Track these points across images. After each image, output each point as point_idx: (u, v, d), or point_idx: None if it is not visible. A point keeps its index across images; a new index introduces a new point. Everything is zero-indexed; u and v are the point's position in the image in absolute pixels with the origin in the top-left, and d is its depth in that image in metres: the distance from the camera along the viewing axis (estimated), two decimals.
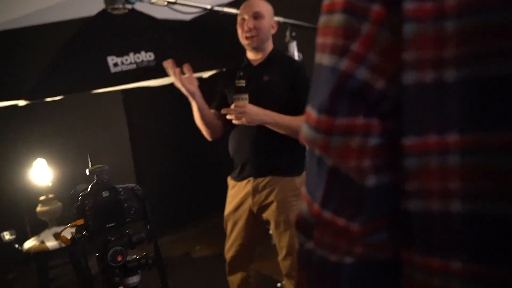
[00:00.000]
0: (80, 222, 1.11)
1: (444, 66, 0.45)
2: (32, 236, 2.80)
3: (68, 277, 2.90)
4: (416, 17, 0.46)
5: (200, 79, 2.95)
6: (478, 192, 0.46)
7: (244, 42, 2.29)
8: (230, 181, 2.38)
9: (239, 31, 2.30)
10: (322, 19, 0.56)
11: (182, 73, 2.18)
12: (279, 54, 2.38)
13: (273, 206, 2.20)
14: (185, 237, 4.43)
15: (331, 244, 0.54)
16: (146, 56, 2.84)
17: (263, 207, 2.24)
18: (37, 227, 2.79)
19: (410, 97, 0.48)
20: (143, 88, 3.05)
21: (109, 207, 1.14)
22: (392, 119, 0.50)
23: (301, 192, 0.59)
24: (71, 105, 3.45)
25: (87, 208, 1.11)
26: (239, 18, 2.32)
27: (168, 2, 2.82)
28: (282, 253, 2.23)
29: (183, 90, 2.18)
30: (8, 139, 3.58)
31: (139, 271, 1.17)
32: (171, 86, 2.21)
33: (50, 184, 2.65)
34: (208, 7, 2.95)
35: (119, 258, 1.12)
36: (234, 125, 2.22)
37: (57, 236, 2.54)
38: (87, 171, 1.18)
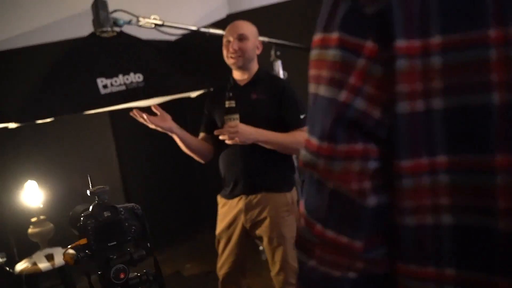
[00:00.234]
0: (83, 241, 1.14)
1: (432, 96, 0.52)
2: (19, 258, 2.79)
3: None
4: (407, 54, 0.52)
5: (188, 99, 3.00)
6: (464, 206, 0.53)
7: (229, 62, 2.35)
8: (221, 199, 2.42)
9: (225, 52, 2.36)
10: (315, 53, 0.61)
11: (154, 114, 2.21)
12: (265, 73, 2.44)
13: (266, 222, 2.24)
14: (175, 255, 4.42)
15: (333, 261, 0.58)
16: (135, 78, 2.88)
17: (256, 224, 2.28)
18: (26, 249, 2.78)
19: (403, 124, 0.53)
20: (130, 108, 3.09)
21: (111, 227, 1.18)
22: (387, 144, 0.55)
23: (300, 212, 0.63)
24: (60, 127, 3.46)
25: (89, 228, 1.14)
26: (224, 40, 2.38)
27: (156, 25, 2.89)
28: (275, 269, 2.27)
29: (159, 129, 2.21)
30: None
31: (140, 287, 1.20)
32: (159, 106, 2.25)
33: (41, 206, 2.66)
34: (195, 28, 3.02)
35: (122, 276, 1.16)
36: (225, 145, 2.26)
37: (49, 257, 2.54)
38: (88, 192, 1.22)
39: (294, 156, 2.42)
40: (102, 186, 1.21)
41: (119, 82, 2.83)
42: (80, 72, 2.81)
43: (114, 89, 2.81)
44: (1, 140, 3.48)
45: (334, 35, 0.57)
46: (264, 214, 2.24)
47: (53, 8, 3.89)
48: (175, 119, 2.31)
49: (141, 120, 2.16)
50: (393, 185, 0.56)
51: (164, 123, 2.21)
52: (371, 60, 0.55)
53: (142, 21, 2.85)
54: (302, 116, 2.26)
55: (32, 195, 2.66)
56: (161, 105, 2.27)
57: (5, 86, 3.48)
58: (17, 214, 2.86)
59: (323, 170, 0.58)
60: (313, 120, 0.61)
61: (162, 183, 4.61)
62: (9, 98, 3.24)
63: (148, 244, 1.23)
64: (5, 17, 3.57)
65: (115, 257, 1.17)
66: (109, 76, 2.82)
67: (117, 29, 2.78)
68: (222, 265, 2.37)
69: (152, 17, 2.87)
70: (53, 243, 2.66)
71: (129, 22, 2.82)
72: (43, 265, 2.48)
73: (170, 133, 2.27)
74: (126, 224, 1.20)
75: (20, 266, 2.53)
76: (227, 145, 2.25)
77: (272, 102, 2.28)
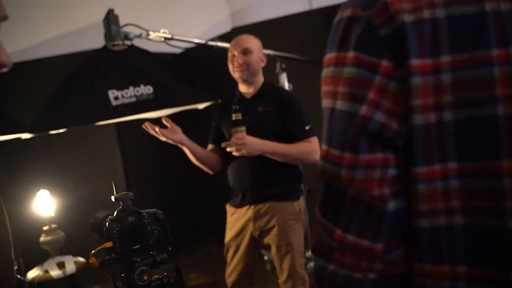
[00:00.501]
0: (109, 244, 1.20)
1: (443, 109, 0.58)
2: (26, 267, 2.84)
3: None
4: (420, 72, 0.59)
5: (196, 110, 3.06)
6: (475, 208, 0.59)
7: (235, 76, 2.41)
8: (230, 208, 2.47)
9: (230, 66, 2.42)
10: (329, 70, 0.67)
11: (165, 126, 2.27)
12: (270, 85, 2.49)
13: (274, 231, 2.30)
14: (180, 265, 4.46)
15: (353, 264, 0.63)
16: (145, 89, 2.95)
17: (264, 232, 2.33)
18: (34, 258, 2.83)
19: (418, 134, 0.59)
20: (136, 120, 3.16)
21: (135, 231, 1.24)
22: (403, 153, 0.61)
23: (316, 220, 0.68)
24: (70, 138, 3.53)
25: (115, 231, 1.20)
26: (229, 54, 2.43)
27: (165, 38, 2.97)
28: (283, 276, 2.31)
29: (170, 141, 2.27)
30: (12, 171, 3.64)
31: None
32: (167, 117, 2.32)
33: (53, 215, 2.71)
34: (203, 41, 3.11)
35: (145, 277, 1.21)
36: (233, 156, 2.32)
37: (60, 265, 2.59)
38: (112, 197, 1.28)
39: (300, 166, 2.48)
40: (126, 192, 1.28)
41: (130, 94, 2.90)
42: (92, 84, 2.88)
43: (125, 100, 2.88)
44: (15, 150, 3.56)
45: (350, 54, 0.63)
46: (272, 222, 2.30)
47: (63, 21, 3.99)
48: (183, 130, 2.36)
49: (152, 132, 2.22)
50: (409, 190, 0.61)
51: (174, 135, 2.27)
52: (387, 77, 0.61)
53: (152, 35, 2.93)
54: (307, 127, 2.33)
55: (44, 204, 2.71)
56: (167, 117, 2.34)
57: (18, 98, 3.55)
58: (29, 222, 2.91)
59: (345, 179, 0.63)
60: (331, 132, 0.66)
61: (167, 193, 4.66)
62: (22, 109, 3.31)
63: (169, 248, 1.29)
64: (18, 29, 3.66)
65: (138, 259, 1.23)
66: (120, 88, 2.89)
67: (128, 42, 2.87)
68: (231, 273, 2.42)
69: (162, 30, 2.96)
70: (64, 251, 2.71)
71: (139, 36, 2.91)
72: (55, 272, 2.53)
73: (180, 145, 2.33)
74: (149, 228, 1.26)
75: (32, 273, 2.58)
76: (235, 157, 2.30)
77: (278, 114, 2.34)
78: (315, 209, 0.70)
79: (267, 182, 2.32)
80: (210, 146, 2.51)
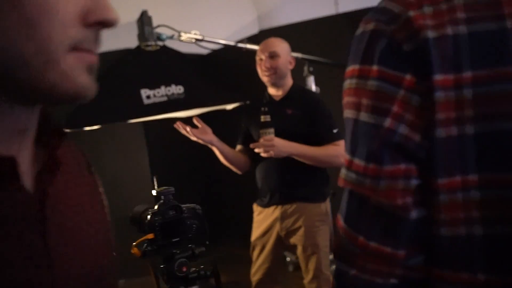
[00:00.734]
0: (150, 236, 1.26)
1: (465, 123, 0.61)
2: None
3: None
4: (443, 86, 0.61)
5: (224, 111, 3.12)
6: (493, 218, 0.61)
7: (264, 79, 2.46)
8: (257, 208, 2.52)
9: (259, 70, 2.46)
10: (352, 82, 0.69)
11: (196, 126, 2.33)
12: (299, 88, 2.54)
13: (301, 231, 2.34)
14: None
15: (375, 269, 0.66)
16: (176, 89, 3.03)
17: (291, 232, 2.37)
18: None
19: (440, 147, 0.62)
20: (166, 119, 3.23)
21: (175, 224, 1.30)
22: (425, 164, 0.64)
23: (338, 226, 0.71)
24: (99, 135, 3.62)
25: (156, 224, 1.26)
26: (257, 58, 2.47)
27: (196, 39, 3.04)
28: (308, 276, 2.35)
29: (200, 141, 2.32)
30: None
31: (197, 281, 1.31)
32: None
33: None
34: (232, 43, 3.17)
35: (184, 269, 1.27)
36: (261, 157, 2.36)
37: None
38: (153, 192, 1.34)
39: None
40: (167, 187, 1.34)
41: (161, 93, 2.98)
42: (125, 83, 2.96)
43: (157, 99, 2.96)
44: None
45: (374, 68, 0.65)
46: (299, 223, 2.34)
47: None
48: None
49: (183, 132, 2.28)
50: (431, 200, 0.63)
51: (205, 135, 2.32)
52: (410, 91, 0.63)
53: (184, 36, 3.00)
54: (335, 131, 2.36)
55: None
56: (198, 117, 2.39)
57: None
58: None
59: (369, 188, 0.65)
60: (355, 143, 0.68)
61: (190, 190, 4.74)
62: (58, 106, 3.40)
63: (207, 242, 1.34)
64: None
65: (178, 251, 1.28)
66: (152, 87, 2.97)
67: (160, 43, 2.95)
68: (256, 271, 2.47)
69: (193, 32, 3.03)
70: None
71: (171, 37, 2.98)
72: None
73: (210, 145, 2.38)
74: (188, 222, 1.31)
75: None
76: (263, 158, 2.34)
77: (306, 117, 2.38)
78: (337, 214, 0.73)
79: (294, 183, 2.36)
80: (238, 147, 2.57)
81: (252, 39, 3.20)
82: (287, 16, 4.54)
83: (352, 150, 0.68)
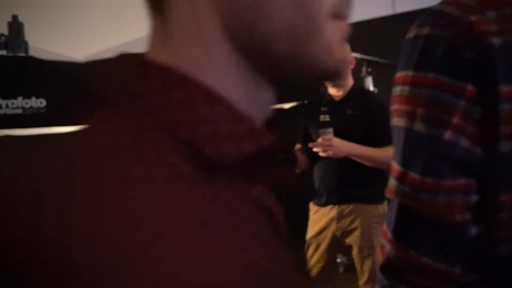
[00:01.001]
0: None
1: None
2: None
3: None
4: (509, 98, 0.57)
5: (281, 110, 3.15)
6: None
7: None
8: (313, 207, 2.53)
9: None
10: (404, 89, 0.64)
11: None
12: (359, 89, 2.53)
13: (357, 232, 2.34)
14: None
15: (426, 285, 0.63)
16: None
17: (347, 232, 2.38)
18: None
19: (503, 162, 0.59)
20: None
21: None
22: (485, 179, 0.60)
23: (386, 239, 0.68)
24: None
25: None
26: None
27: None
28: (364, 278, 2.36)
29: None
30: None
31: None
32: None
33: None
34: None
35: None
36: (319, 157, 2.36)
37: None
38: None
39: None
40: None
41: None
42: None
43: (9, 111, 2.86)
44: None
45: (430, 75, 0.60)
46: (356, 224, 2.34)
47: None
48: None
49: None
50: (489, 216, 0.60)
51: None
52: (472, 102, 0.58)
53: None
54: None
55: None
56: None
57: None
58: None
59: (425, 203, 0.61)
60: (408, 154, 0.63)
61: None
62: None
63: None
64: None
65: None
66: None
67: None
68: (311, 269, 2.49)
69: None
70: None
71: None
72: None
73: None
74: None
75: None
76: (321, 157, 2.35)
77: (366, 118, 2.36)
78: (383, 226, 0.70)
79: (352, 183, 2.36)
80: (297, 146, 2.59)
81: None
82: None
83: (405, 162, 0.64)
